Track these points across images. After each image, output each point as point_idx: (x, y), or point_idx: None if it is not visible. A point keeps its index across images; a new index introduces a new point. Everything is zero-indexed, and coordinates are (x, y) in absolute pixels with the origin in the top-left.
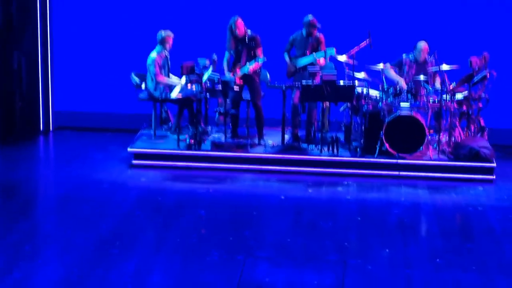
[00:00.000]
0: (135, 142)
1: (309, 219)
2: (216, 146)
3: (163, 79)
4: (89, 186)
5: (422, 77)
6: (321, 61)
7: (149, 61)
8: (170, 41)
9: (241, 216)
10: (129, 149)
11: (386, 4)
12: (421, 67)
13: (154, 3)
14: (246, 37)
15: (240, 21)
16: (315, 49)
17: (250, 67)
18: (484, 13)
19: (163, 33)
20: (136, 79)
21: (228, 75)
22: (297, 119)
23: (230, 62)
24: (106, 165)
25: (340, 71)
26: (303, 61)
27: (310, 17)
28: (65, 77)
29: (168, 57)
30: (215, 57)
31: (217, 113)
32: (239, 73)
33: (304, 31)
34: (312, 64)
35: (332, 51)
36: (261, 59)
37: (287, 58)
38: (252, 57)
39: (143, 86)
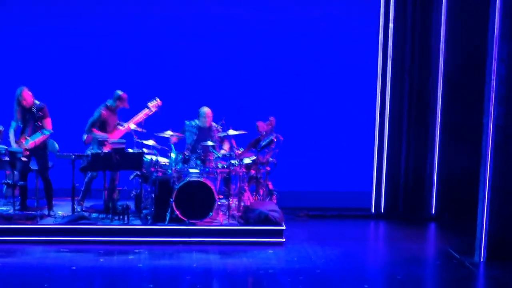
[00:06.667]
0: None
1: None
2: (4, 218)
3: None
4: None
5: (209, 143)
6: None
7: None
8: None
9: None
10: None
11: (172, 69)
12: (207, 132)
13: None
14: (34, 108)
15: (26, 92)
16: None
17: (35, 140)
18: (270, 78)
19: None
20: None
21: (14, 146)
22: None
23: (17, 132)
24: None
25: (128, 139)
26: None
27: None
28: None
29: None
30: (1, 128)
31: (5, 185)
32: (24, 144)
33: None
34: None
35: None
36: (47, 131)
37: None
38: (38, 128)
39: None
